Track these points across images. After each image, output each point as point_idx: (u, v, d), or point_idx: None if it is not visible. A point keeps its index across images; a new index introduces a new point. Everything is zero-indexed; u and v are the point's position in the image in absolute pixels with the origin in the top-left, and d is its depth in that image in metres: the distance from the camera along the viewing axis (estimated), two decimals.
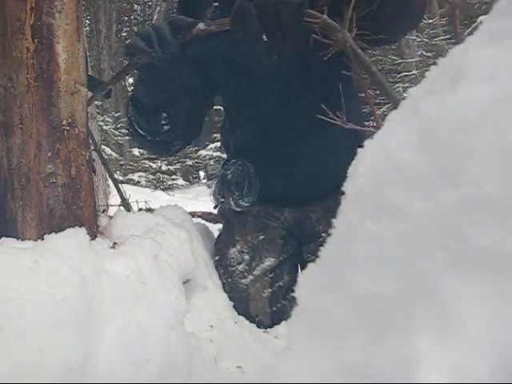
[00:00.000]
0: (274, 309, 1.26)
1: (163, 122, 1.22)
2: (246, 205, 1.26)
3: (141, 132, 1.25)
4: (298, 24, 0.90)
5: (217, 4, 1.00)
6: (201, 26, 0.97)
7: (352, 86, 1.29)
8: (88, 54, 1.12)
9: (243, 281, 1.26)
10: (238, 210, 1.28)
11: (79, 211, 0.82)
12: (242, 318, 1.15)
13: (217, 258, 1.31)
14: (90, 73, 1.01)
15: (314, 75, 1.24)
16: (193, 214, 1.99)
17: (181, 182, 11.61)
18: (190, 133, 1.37)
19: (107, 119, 10.38)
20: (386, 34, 1.02)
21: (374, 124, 0.92)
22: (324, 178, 1.24)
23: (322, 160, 1.30)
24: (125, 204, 1.22)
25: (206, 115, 1.46)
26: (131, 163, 11.40)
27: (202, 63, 1.30)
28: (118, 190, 1.25)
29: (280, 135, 1.30)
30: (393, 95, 0.83)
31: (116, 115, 11.64)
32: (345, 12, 0.86)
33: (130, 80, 16.97)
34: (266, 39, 0.93)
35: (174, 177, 11.67)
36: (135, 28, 16.43)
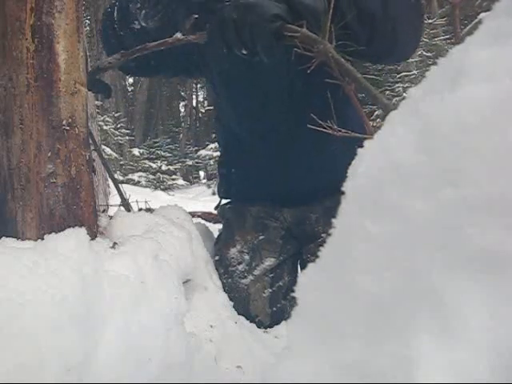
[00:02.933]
0: (274, 309, 1.26)
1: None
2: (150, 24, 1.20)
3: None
4: (272, 40, 0.91)
5: (197, 16, 1.01)
6: (178, 35, 0.98)
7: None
8: (88, 53, 1.12)
9: (243, 281, 1.26)
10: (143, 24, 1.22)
11: (79, 211, 0.82)
12: (242, 317, 1.15)
13: (217, 258, 1.31)
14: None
15: (315, 77, 1.24)
16: (193, 214, 1.99)
17: (181, 181, 11.63)
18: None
19: (107, 119, 10.39)
20: (380, 63, 1.04)
21: (368, 128, 0.92)
22: (324, 178, 1.24)
23: (321, 160, 1.30)
24: (125, 204, 1.22)
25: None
26: (131, 163, 11.42)
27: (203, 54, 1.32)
28: (118, 190, 1.25)
29: (280, 135, 1.30)
30: (381, 99, 0.83)
31: (116, 115, 11.65)
32: (322, 25, 0.87)
33: (131, 80, 17.00)
34: (245, 53, 0.94)
35: (174, 177, 11.69)
36: None
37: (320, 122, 0.93)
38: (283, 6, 0.92)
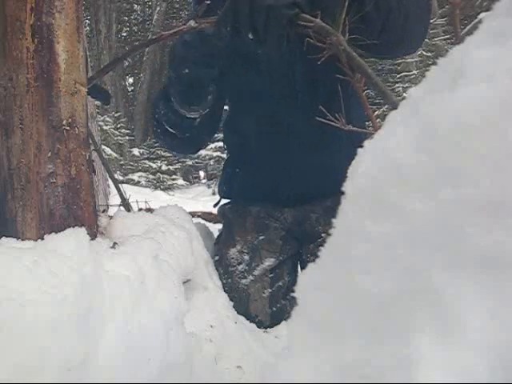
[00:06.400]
0: (274, 309, 1.26)
1: (194, 116, 1.23)
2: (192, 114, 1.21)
3: (171, 130, 1.27)
4: (285, 28, 0.91)
5: (209, 2, 1.00)
6: (192, 23, 0.97)
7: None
8: (88, 53, 1.12)
9: (243, 281, 1.26)
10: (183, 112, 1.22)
11: (79, 211, 0.82)
12: (241, 317, 1.15)
13: (217, 258, 1.31)
14: (89, 73, 1.01)
15: (318, 77, 1.24)
16: (193, 214, 1.99)
17: (181, 181, 11.63)
18: (213, 128, 1.40)
19: (107, 119, 10.38)
20: (387, 57, 1.04)
21: (374, 126, 0.92)
22: (324, 178, 1.24)
23: (322, 160, 1.30)
24: (125, 204, 1.22)
25: (221, 112, 1.46)
26: (131, 163, 11.42)
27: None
28: (118, 190, 1.25)
29: (281, 135, 1.30)
30: (390, 96, 0.83)
31: (116, 115, 11.64)
32: (337, 15, 0.87)
33: (130, 80, 16.98)
34: (251, 38, 0.93)
35: (174, 177, 11.68)
36: (135, 28, 16.45)
37: (326, 121, 0.94)
38: None
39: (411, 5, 1.10)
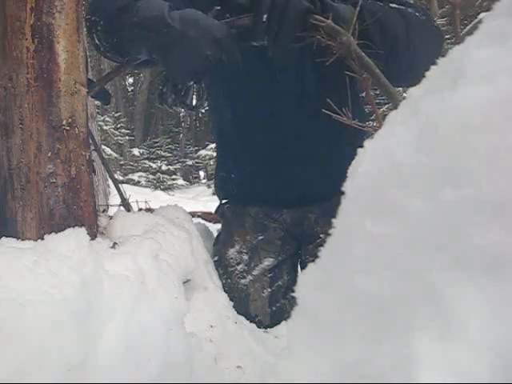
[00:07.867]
0: (274, 309, 1.26)
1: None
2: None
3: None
4: (299, 24, 0.92)
5: (218, 8, 1.00)
6: None
7: (355, 88, 1.29)
8: (88, 53, 1.11)
9: (242, 281, 1.26)
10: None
11: (79, 211, 0.82)
12: (241, 317, 1.15)
13: (216, 258, 1.31)
14: (90, 73, 1.01)
15: (326, 79, 1.24)
16: (193, 214, 1.99)
17: (181, 181, 11.65)
18: None
19: (107, 119, 10.39)
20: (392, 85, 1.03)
21: (377, 124, 0.93)
22: (323, 179, 1.24)
23: (321, 160, 1.30)
24: (125, 204, 1.22)
25: None
26: (131, 163, 11.43)
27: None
28: (118, 190, 1.25)
29: (279, 136, 1.30)
30: (396, 97, 0.83)
31: (116, 115, 11.65)
32: (348, 19, 0.89)
33: (130, 80, 16.97)
34: (264, 31, 0.94)
35: (174, 177, 11.70)
36: None
37: (332, 114, 0.94)
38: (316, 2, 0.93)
39: (421, 38, 1.10)
